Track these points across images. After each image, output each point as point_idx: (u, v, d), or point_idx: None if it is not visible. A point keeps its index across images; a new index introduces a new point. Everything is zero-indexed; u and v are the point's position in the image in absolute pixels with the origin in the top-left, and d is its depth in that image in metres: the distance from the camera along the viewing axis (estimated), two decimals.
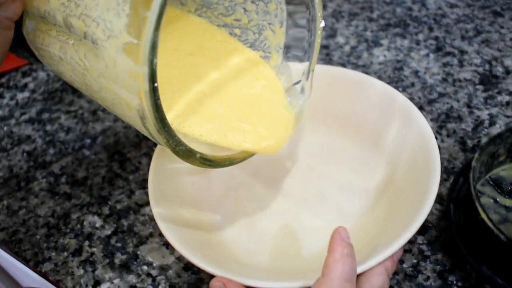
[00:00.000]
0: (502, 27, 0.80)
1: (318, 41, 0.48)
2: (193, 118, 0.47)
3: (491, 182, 0.54)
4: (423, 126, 0.51)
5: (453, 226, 0.51)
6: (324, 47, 0.80)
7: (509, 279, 0.46)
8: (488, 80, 0.71)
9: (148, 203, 0.60)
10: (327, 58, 0.78)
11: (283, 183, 0.57)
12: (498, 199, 0.53)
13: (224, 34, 0.52)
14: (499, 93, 0.69)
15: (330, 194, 0.54)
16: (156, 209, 0.48)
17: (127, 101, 0.37)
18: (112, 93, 0.38)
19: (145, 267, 0.56)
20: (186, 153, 0.41)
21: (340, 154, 0.58)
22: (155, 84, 0.34)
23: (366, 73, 0.65)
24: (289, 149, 0.59)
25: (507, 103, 0.67)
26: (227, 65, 0.51)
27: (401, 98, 0.54)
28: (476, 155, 0.50)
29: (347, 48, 0.79)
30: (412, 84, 0.72)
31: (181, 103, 0.47)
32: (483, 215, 0.46)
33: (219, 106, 0.48)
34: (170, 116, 0.46)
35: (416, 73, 0.73)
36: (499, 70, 0.72)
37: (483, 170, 0.54)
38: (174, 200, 0.52)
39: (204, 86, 0.49)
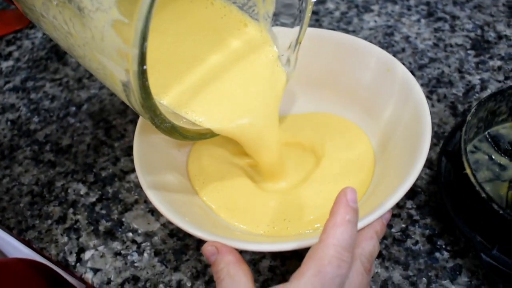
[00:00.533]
0: None
1: (309, 8, 0.46)
2: (192, 103, 0.46)
3: (489, 139, 0.53)
4: (417, 92, 0.49)
5: (442, 179, 0.51)
6: (313, 13, 0.78)
7: (492, 239, 0.46)
8: (480, 45, 0.70)
9: (133, 170, 0.59)
10: (316, 24, 0.76)
11: None
12: (493, 157, 0.52)
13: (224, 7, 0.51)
14: (491, 58, 0.68)
15: (323, 159, 0.53)
16: (142, 175, 0.47)
17: (112, 73, 0.35)
18: (97, 62, 0.36)
19: (130, 234, 0.55)
20: (169, 129, 0.40)
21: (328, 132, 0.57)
22: (144, 67, 0.33)
23: None
24: (281, 114, 0.58)
25: (499, 68, 0.66)
26: (227, 46, 0.49)
27: (398, 66, 0.52)
28: (473, 110, 0.50)
29: (337, 14, 0.78)
30: (403, 50, 0.70)
31: (178, 87, 0.46)
32: (468, 170, 0.45)
33: (217, 91, 0.47)
34: (165, 100, 0.45)
35: (407, 38, 0.72)
36: (491, 35, 0.71)
37: (482, 126, 0.53)
38: (159, 166, 0.50)
39: (203, 68, 0.47)
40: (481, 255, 0.45)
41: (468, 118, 0.49)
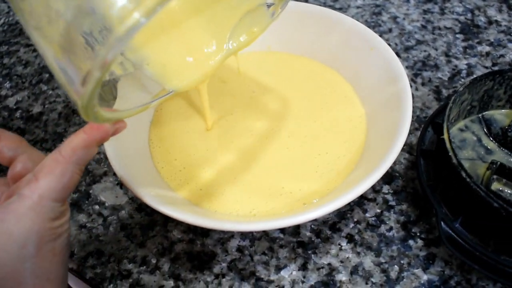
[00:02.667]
0: None
1: None
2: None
3: (481, 121, 0.52)
4: (400, 74, 0.48)
5: (422, 146, 0.50)
6: None
7: (457, 211, 0.45)
8: (469, 30, 0.68)
9: None
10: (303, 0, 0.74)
11: (254, 117, 0.53)
12: (482, 139, 0.51)
13: None
14: (479, 43, 0.66)
15: (302, 129, 0.51)
16: (110, 148, 0.45)
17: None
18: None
19: (96, 207, 0.53)
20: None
21: (315, 90, 0.55)
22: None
23: None
24: (264, 83, 0.56)
25: (487, 54, 0.64)
26: None
27: (382, 46, 0.51)
28: (467, 82, 0.49)
29: None
30: (390, 30, 0.68)
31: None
32: (445, 135, 0.45)
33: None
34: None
35: (394, 19, 0.70)
36: (481, 19, 0.69)
37: (477, 106, 0.52)
38: (130, 139, 0.48)
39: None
40: (441, 223, 0.44)
41: (460, 89, 0.48)
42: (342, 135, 0.49)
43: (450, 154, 0.44)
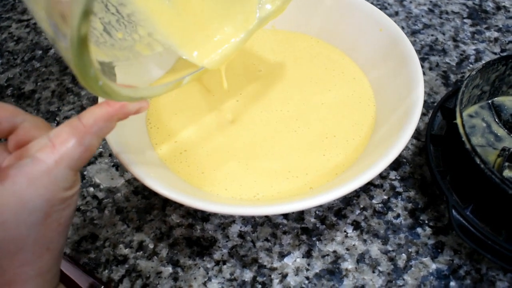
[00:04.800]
0: None
1: None
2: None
3: (491, 107, 0.50)
4: (411, 56, 0.46)
5: (431, 131, 0.48)
6: None
7: (468, 198, 0.43)
8: (477, 15, 0.66)
9: None
10: None
11: (261, 98, 0.51)
12: (492, 126, 0.49)
13: None
14: (487, 28, 0.64)
15: (310, 111, 0.49)
16: None
17: None
18: None
19: (91, 189, 0.51)
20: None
21: (322, 71, 0.53)
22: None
23: None
24: (270, 62, 0.54)
25: (495, 40, 0.62)
26: None
27: (391, 27, 0.49)
28: (480, 66, 0.47)
29: None
30: (396, 13, 0.66)
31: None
32: (458, 120, 0.43)
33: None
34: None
35: (401, 1, 0.68)
36: (489, 5, 0.67)
37: (487, 91, 0.50)
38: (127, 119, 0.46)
39: None
40: (452, 211, 0.42)
41: (473, 73, 0.46)
42: (351, 118, 0.47)
43: (463, 139, 0.42)
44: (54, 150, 0.31)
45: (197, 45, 0.43)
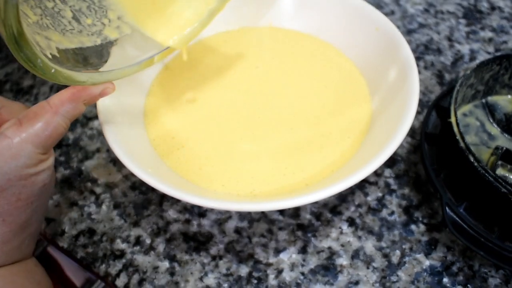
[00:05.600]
0: None
1: None
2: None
3: (485, 106, 0.51)
4: (406, 55, 0.46)
5: (426, 129, 0.49)
6: None
7: (461, 196, 0.44)
8: (472, 15, 0.67)
9: (97, 117, 0.55)
10: None
11: (258, 94, 0.51)
12: (485, 125, 0.50)
13: None
14: (482, 28, 0.65)
15: (306, 108, 0.49)
16: (106, 122, 0.43)
17: None
18: None
19: (88, 184, 0.51)
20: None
21: (319, 68, 0.53)
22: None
23: None
24: (267, 59, 0.54)
25: (490, 40, 0.63)
26: None
27: (387, 26, 0.49)
28: (474, 65, 0.48)
29: None
30: (392, 12, 0.67)
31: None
32: (453, 118, 0.44)
33: None
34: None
35: (397, 1, 0.68)
36: (484, 5, 0.68)
37: (481, 91, 0.51)
38: (124, 113, 0.47)
39: None
40: (446, 208, 0.43)
41: (467, 72, 0.47)
42: (347, 115, 0.48)
43: (457, 137, 0.43)
44: (20, 127, 0.33)
45: (163, 26, 0.44)
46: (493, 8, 0.68)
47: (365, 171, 0.38)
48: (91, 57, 0.39)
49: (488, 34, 0.64)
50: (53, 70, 0.32)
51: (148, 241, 0.47)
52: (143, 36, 0.44)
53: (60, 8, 0.38)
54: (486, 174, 0.40)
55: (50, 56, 0.33)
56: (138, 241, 0.47)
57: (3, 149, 0.33)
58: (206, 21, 0.46)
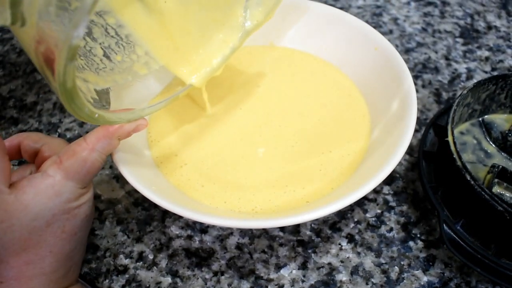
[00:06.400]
0: None
1: None
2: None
3: (482, 125, 0.52)
4: (405, 76, 0.47)
5: (423, 147, 0.50)
6: None
7: (459, 213, 0.45)
8: (469, 34, 0.68)
9: None
10: None
11: (260, 112, 0.52)
12: (482, 143, 0.51)
13: None
14: (479, 47, 0.66)
15: (307, 126, 0.50)
16: None
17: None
18: None
19: None
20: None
21: (318, 87, 0.54)
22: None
23: None
24: (269, 78, 0.56)
25: (486, 59, 0.64)
26: None
27: (386, 46, 0.51)
28: (471, 86, 0.49)
29: None
30: (391, 31, 0.68)
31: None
32: (450, 137, 0.45)
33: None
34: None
35: (395, 20, 0.70)
36: (480, 24, 0.69)
37: (478, 110, 0.52)
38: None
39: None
40: (443, 225, 0.44)
41: (464, 92, 0.48)
42: (346, 134, 0.49)
43: (454, 156, 0.44)
44: (60, 165, 0.36)
45: (184, 64, 0.46)
46: (489, 27, 0.69)
47: (365, 189, 0.39)
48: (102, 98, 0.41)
49: (484, 53, 0.65)
50: (96, 115, 0.34)
51: (150, 256, 0.47)
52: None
53: (91, 46, 0.39)
54: (483, 193, 0.41)
55: (91, 101, 0.36)
56: (141, 256, 0.47)
57: (47, 187, 0.35)
58: (227, 56, 0.47)
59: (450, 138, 0.45)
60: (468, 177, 0.42)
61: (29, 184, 0.35)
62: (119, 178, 0.53)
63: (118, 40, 0.42)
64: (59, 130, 0.58)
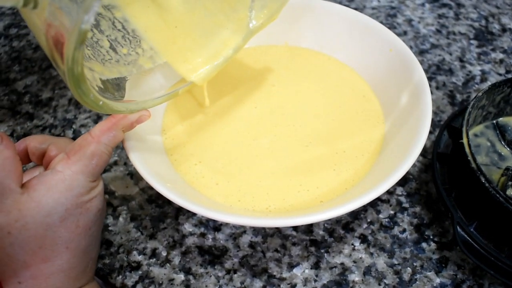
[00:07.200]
0: None
1: None
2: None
3: (496, 127, 0.52)
4: (419, 77, 0.47)
5: (437, 149, 0.50)
6: None
7: (472, 216, 0.45)
8: (483, 36, 0.68)
9: None
10: None
11: (275, 112, 0.52)
12: (496, 145, 0.50)
13: None
14: (493, 50, 0.66)
15: (321, 126, 0.50)
16: (127, 138, 0.44)
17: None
18: None
19: (106, 196, 0.52)
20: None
21: (333, 87, 0.55)
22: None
23: None
24: (283, 77, 0.56)
25: (501, 61, 0.64)
26: None
27: (401, 47, 0.51)
28: (486, 88, 0.48)
29: None
30: (405, 33, 0.68)
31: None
32: (465, 140, 0.44)
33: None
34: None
35: (409, 21, 0.70)
36: (495, 27, 0.69)
37: (492, 112, 0.52)
38: (145, 128, 0.48)
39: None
40: (457, 227, 0.44)
41: (479, 94, 0.48)
42: (360, 134, 0.49)
43: (469, 158, 0.43)
44: (69, 161, 0.36)
45: (187, 61, 0.47)
46: (504, 30, 0.69)
47: (378, 191, 0.39)
48: (112, 89, 0.42)
49: (499, 55, 0.65)
50: (101, 103, 0.35)
51: (164, 253, 0.48)
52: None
53: (98, 38, 0.40)
54: (497, 195, 0.41)
55: (97, 88, 0.36)
56: (154, 253, 0.48)
57: (57, 182, 0.36)
58: (229, 56, 0.48)
59: (465, 140, 0.45)
60: (483, 180, 0.42)
61: (39, 182, 0.35)
62: (133, 175, 0.53)
63: (124, 34, 0.42)
64: (74, 126, 0.59)
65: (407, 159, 0.41)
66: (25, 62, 0.68)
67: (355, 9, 0.68)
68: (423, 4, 0.72)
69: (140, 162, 0.42)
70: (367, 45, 0.54)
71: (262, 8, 0.48)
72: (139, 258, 0.48)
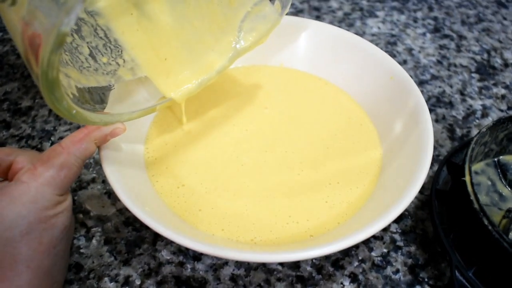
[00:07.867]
0: (505, 19, 0.74)
1: None
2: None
3: (497, 166, 0.49)
4: (420, 106, 0.45)
5: (436, 185, 0.48)
6: (315, 8, 0.73)
7: (471, 260, 0.42)
8: (485, 70, 0.66)
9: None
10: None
11: (267, 136, 0.49)
12: (496, 184, 0.48)
13: None
14: (495, 85, 0.64)
15: (314, 155, 0.47)
16: (104, 152, 0.41)
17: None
18: None
19: (80, 215, 0.48)
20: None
21: (329, 114, 0.52)
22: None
23: None
24: (277, 100, 0.53)
25: (502, 97, 0.62)
26: None
27: (402, 75, 0.48)
28: (490, 124, 0.46)
29: (340, 14, 0.73)
30: (405, 62, 0.66)
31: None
32: (467, 177, 0.42)
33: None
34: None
35: (410, 50, 0.67)
36: (497, 61, 0.67)
37: (494, 150, 0.49)
38: (125, 146, 0.45)
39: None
40: (455, 272, 0.41)
41: (483, 130, 0.45)
42: (356, 165, 0.46)
43: (471, 198, 0.41)
44: (35, 171, 0.34)
45: (168, 77, 0.45)
46: (506, 64, 0.67)
47: (372, 229, 0.36)
48: (93, 98, 0.40)
49: (501, 90, 0.63)
50: (74, 111, 0.33)
51: (137, 282, 0.44)
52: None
53: (78, 43, 0.38)
54: (501, 240, 0.38)
55: (71, 96, 0.34)
56: (127, 281, 0.44)
57: (20, 194, 0.33)
58: (213, 77, 0.46)
59: (467, 178, 0.42)
60: (486, 222, 0.39)
61: (1, 193, 0.33)
62: (111, 194, 0.50)
63: (106, 42, 0.40)
64: (52, 138, 0.55)
65: (404, 197, 0.38)
66: (7, 68, 0.65)
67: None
68: (424, 34, 0.70)
69: (117, 181, 0.39)
70: (367, 72, 0.51)
71: (251, 30, 0.46)
72: (110, 285, 0.44)
